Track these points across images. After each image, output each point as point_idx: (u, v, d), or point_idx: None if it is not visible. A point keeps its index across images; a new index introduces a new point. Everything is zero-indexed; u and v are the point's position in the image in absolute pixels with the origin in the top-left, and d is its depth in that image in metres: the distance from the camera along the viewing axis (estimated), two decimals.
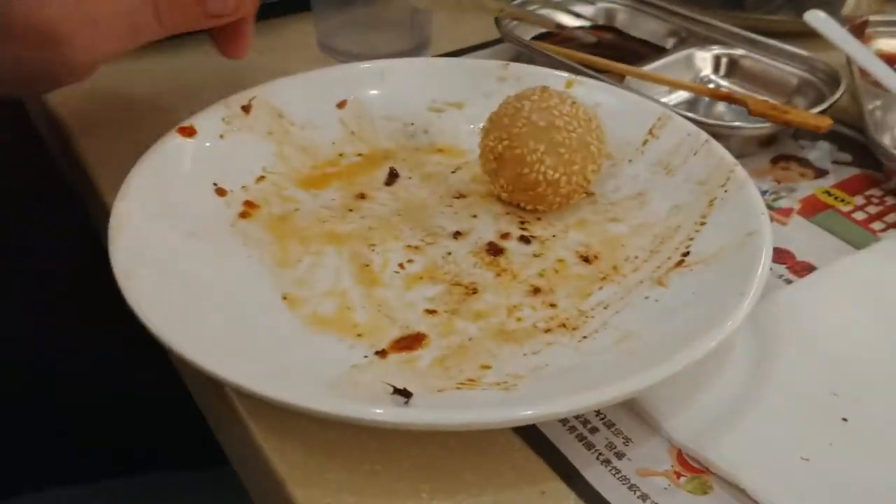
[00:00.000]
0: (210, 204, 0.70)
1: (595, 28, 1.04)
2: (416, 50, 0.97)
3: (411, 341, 0.60)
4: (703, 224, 0.68)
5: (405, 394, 0.50)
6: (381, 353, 0.59)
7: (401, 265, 0.67)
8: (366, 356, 0.56)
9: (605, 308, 0.63)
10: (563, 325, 0.62)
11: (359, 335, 0.60)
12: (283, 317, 0.61)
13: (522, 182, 0.68)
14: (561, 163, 0.69)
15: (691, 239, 0.67)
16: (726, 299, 0.58)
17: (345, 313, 0.62)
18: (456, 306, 0.63)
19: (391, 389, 0.50)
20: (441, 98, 0.83)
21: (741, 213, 0.67)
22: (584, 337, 0.61)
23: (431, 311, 0.63)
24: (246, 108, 0.77)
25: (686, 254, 0.66)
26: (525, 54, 0.94)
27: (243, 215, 0.70)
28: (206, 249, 0.65)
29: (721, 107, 0.92)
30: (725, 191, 0.69)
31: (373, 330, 0.61)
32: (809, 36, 0.94)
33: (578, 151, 0.69)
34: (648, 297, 0.63)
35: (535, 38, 1.00)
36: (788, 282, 0.68)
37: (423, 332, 0.61)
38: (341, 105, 0.81)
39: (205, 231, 0.66)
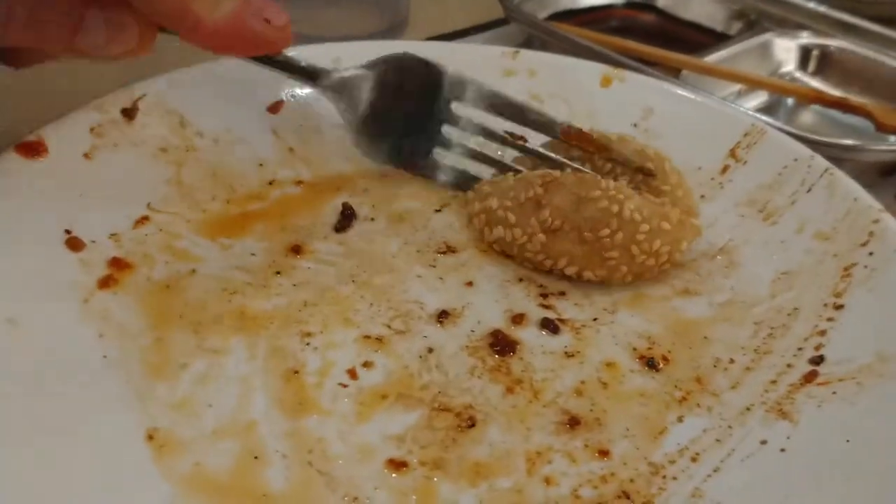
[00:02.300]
0: (55, 264, 0.44)
1: (629, 7, 0.77)
2: (389, 32, 0.71)
3: None
4: (838, 308, 0.43)
5: None
6: None
7: (351, 373, 0.41)
8: None
9: (692, 460, 0.38)
10: (626, 496, 0.36)
11: None
12: (142, 477, 0.35)
13: (582, 215, 0.46)
14: (650, 207, 0.46)
15: (822, 333, 0.42)
16: None
17: (249, 470, 0.36)
18: (441, 453, 0.38)
19: None
20: None
21: None
22: None
23: (399, 464, 0.37)
24: (129, 113, 0.51)
25: (818, 360, 0.41)
26: (538, 39, 0.68)
27: (106, 283, 0.44)
28: (28, 350, 0.39)
29: (809, 117, 0.66)
30: (870, 254, 0.43)
31: None
32: None
33: (674, 208, 0.47)
34: (767, 443, 0.37)
35: (551, 17, 0.73)
36: None
37: None
38: (274, 108, 0.55)
39: (35, 313, 0.41)
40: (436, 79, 0.52)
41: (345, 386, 0.41)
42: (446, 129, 0.53)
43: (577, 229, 0.46)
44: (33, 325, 0.41)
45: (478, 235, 0.50)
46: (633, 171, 0.49)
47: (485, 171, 0.53)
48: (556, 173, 0.48)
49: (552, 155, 0.51)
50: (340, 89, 0.51)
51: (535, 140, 0.52)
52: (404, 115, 0.52)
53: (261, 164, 0.54)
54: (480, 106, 0.51)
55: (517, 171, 0.51)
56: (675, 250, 0.46)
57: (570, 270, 0.47)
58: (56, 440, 0.36)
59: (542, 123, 0.50)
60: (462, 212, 0.53)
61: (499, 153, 0.54)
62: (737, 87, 0.67)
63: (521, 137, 0.51)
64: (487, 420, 0.40)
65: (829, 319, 0.43)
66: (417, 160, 0.54)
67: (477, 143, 0.53)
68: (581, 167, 0.50)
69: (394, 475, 0.37)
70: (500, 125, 0.52)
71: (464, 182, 0.53)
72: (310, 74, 0.50)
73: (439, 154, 0.54)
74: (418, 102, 0.52)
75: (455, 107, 0.52)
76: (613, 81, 0.58)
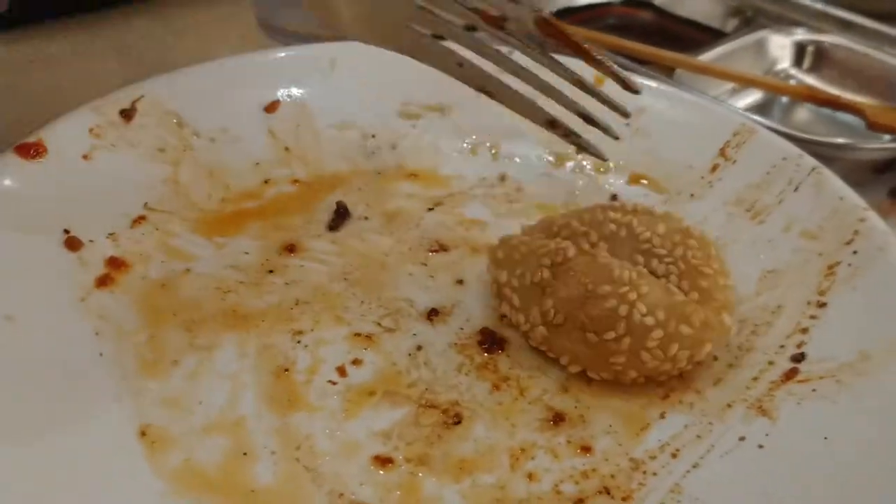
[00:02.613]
0: (53, 263, 0.45)
1: (627, 4, 0.77)
2: None
3: None
4: (821, 306, 0.43)
5: None
6: None
7: (340, 370, 0.42)
8: None
9: (672, 456, 0.38)
10: (606, 491, 0.37)
11: None
12: (133, 473, 0.36)
13: (587, 313, 0.41)
14: (666, 305, 0.41)
15: (805, 331, 0.42)
16: (889, 463, 0.35)
17: (237, 466, 0.37)
18: (426, 449, 0.38)
19: None
20: (417, 98, 0.58)
21: (886, 291, 0.42)
22: None
23: (385, 460, 0.38)
24: (127, 114, 0.52)
25: (800, 358, 0.41)
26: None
27: (103, 282, 0.45)
28: (25, 347, 0.40)
29: (804, 114, 0.66)
30: (854, 252, 0.44)
31: (281, 500, 0.37)
32: None
33: (700, 307, 0.42)
34: (746, 440, 0.38)
35: (553, 13, 0.73)
36: None
37: None
38: (271, 108, 0.56)
39: (32, 311, 0.42)
40: None
41: (334, 383, 0.42)
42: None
43: (581, 328, 0.41)
44: (31, 322, 0.42)
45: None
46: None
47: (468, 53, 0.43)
48: (570, 251, 0.43)
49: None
50: None
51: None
52: None
53: (257, 164, 0.55)
54: None
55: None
56: (696, 354, 0.41)
57: (574, 369, 0.42)
58: (51, 436, 0.37)
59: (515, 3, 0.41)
60: (455, 208, 0.54)
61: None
62: (731, 84, 0.67)
63: (500, 18, 0.41)
64: (473, 417, 0.41)
65: (812, 317, 0.43)
66: (392, 32, 0.44)
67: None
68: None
69: (380, 471, 0.38)
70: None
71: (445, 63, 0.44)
72: None
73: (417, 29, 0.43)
74: None
75: None
76: (606, 80, 0.58)
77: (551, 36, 0.42)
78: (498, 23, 0.41)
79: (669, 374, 0.42)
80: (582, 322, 0.41)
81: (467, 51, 0.42)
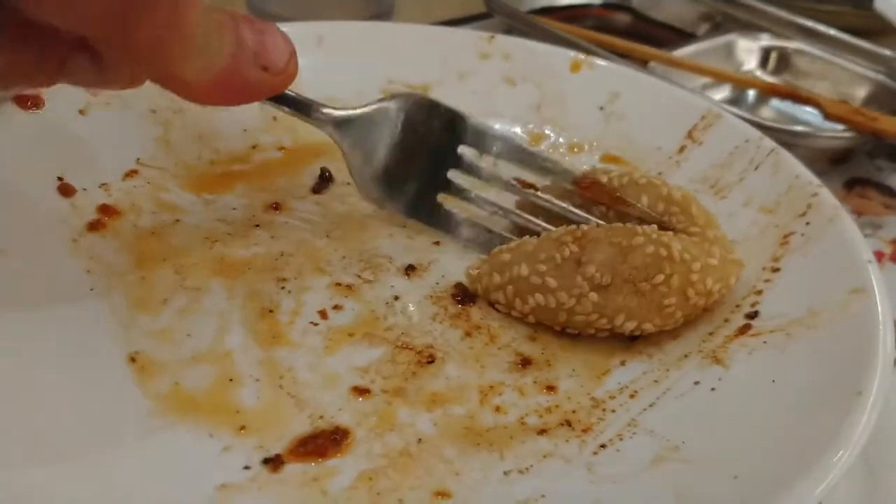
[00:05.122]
0: (47, 206, 0.47)
1: (606, 7, 0.81)
2: (375, 20, 0.73)
3: (325, 442, 0.38)
4: (775, 271, 0.46)
5: None
6: (274, 462, 0.37)
7: (322, 313, 0.44)
8: (247, 467, 0.37)
9: (630, 397, 0.41)
10: (568, 424, 0.39)
11: (241, 428, 0.38)
12: (123, 393, 0.38)
13: (631, 265, 0.43)
14: (693, 245, 0.44)
15: (759, 293, 0.46)
16: (831, 400, 0.37)
17: (224, 390, 0.39)
18: (401, 383, 0.41)
19: None
20: (401, 76, 0.61)
21: (834, 257, 0.45)
22: (602, 446, 0.39)
23: (362, 391, 0.40)
24: None
25: (753, 315, 0.44)
26: (518, 31, 0.71)
27: (94, 226, 0.47)
28: (17, 279, 0.42)
29: (770, 111, 0.69)
30: (807, 223, 0.47)
31: (265, 420, 0.39)
32: (875, 34, 0.72)
33: (714, 245, 0.46)
34: (700, 384, 0.42)
35: (533, 12, 0.77)
36: None
37: (344, 426, 0.39)
38: None
39: (25, 247, 0.43)
40: (451, 122, 0.50)
41: (315, 325, 0.44)
42: (452, 175, 0.51)
43: (631, 281, 0.42)
44: (23, 256, 0.43)
45: (504, 310, 0.46)
46: (655, 222, 0.46)
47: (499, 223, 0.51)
48: (584, 227, 0.44)
49: (574, 210, 0.49)
50: (350, 127, 0.48)
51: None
52: (419, 160, 0.50)
53: (245, 130, 0.57)
54: (489, 151, 0.51)
55: (532, 232, 0.48)
56: (724, 287, 0.44)
57: (629, 326, 0.43)
58: (40, 360, 0.39)
59: (554, 171, 0.49)
60: None
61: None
62: (702, 81, 0.70)
63: (532, 185, 0.50)
64: (446, 358, 0.43)
65: (767, 281, 0.46)
66: (427, 210, 0.51)
67: (484, 190, 0.52)
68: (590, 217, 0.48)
69: (358, 399, 0.40)
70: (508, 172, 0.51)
71: (484, 241, 0.50)
72: (308, 110, 0.47)
73: (447, 202, 0.51)
74: (433, 146, 0.50)
75: (462, 150, 0.51)
76: (582, 67, 0.61)
77: (590, 191, 0.48)
78: (532, 188, 0.51)
79: (699, 310, 0.44)
80: (630, 274, 0.42)
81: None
